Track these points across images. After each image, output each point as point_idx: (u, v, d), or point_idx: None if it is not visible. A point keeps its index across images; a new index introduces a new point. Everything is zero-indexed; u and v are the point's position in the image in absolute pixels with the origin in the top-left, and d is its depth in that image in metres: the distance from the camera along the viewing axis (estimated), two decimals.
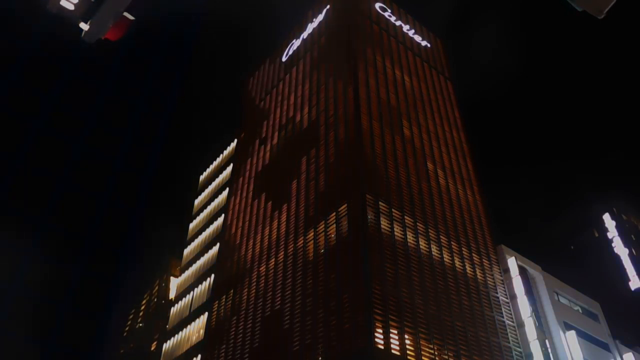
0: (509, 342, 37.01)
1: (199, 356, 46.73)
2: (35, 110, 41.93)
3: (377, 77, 48.44)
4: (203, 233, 61.74)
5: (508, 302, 40.09)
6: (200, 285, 55.05)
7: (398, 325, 31.22)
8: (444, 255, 38.58)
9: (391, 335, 30.50)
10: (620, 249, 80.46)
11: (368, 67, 48.32)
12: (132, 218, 41.90)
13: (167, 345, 55.93)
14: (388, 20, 58.48)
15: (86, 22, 9.64)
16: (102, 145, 43.73)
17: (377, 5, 58.80)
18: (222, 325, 45.75)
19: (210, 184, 68.12)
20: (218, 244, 55.48)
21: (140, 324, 74.43)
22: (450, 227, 41.49)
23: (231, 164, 63.67)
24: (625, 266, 78.47)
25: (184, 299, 57.64)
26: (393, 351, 29.85)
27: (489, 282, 40.29)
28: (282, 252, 42.23)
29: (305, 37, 61.05)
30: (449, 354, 32.69)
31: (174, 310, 59.06)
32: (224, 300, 47.83)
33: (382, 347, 29.44)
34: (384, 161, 40.80)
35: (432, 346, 32.14)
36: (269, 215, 47.65)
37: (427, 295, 34.54)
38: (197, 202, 69.51)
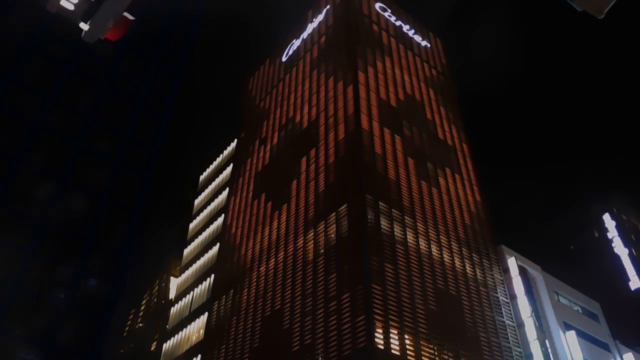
0: (509, 342, 36.99)
1: (199, 356, 46.72)
2: (35, 110, 41.93)
3: (377, 77, 48.43)
4: (203, 233, 61.73)
5: (508, 302, 40.08)
6: (200, 285, 55.04)
7: (398, 325, 31.21)
8: (444, 255, 38.57)
9: (391, 335, 30.49)
10: (620, 249, 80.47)
11: (368, 67, 48.31)
12: (132, 218, 41.91)
13: (167, 345, 55.93)
14: (388, 20, 58.47)
15: (86, 22, 9.63)
16: (102, 145, 43.73)
17: (377, 5, 58.79)
18: (222, 325, 45.74)
19: (210, 184, 68.14)
20: (218, 244, 55.48)
21: (140, 324, 74.42)
22: (450, 227, 41.48)
23: (231, 164, 63.68)
24: (625, 266, 78.49)
25: (184, 299, 57.64)
26: (393, 351, 29.83)
27: (489, 282, 40.28)
28: (282, 252, 42.23)
29: (305, 37, 61.05)
30: (449, 354, 32.67)
31: (174, 310, 59.05)
32: (224, 300, 47.83)
33: (382, 347, 29.43)
34: (384, 161, 40.78)
35: (432, 346, 32.12)
36: (269, 215, 47.65)
37: (427, 295, 34.53)
38: (197, 202, 69.52)
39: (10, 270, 34.98)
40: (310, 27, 60.96)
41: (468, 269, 39.45)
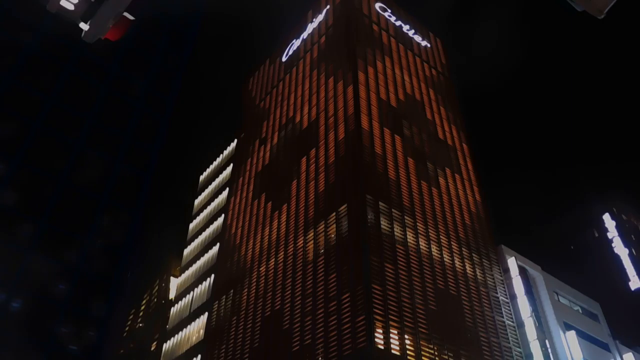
0: (509, 342, 36.99)
1: (199, 356, 46.72)
2: (35, 110, 41.92)
3: (377, 77, 48.43)
4: (203, 233, 61.73)
5: (508, 302, 40.08)
6: (200, 285, 55.05)
7: (398, 325, 31.21)
8: (444, 255, 38.57)
9: (391, 335, 30.49)
10: (620, 249, 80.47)
11: (368, 67, 48.30)
12: (132, 218, 41.90)
13: (167, 345, 55.92)
14: (388, 20, 58.47)
15: (86, 22, 9.63)
16: (102, 145, 43.74)
17: (377, 5, 58.79)
18: (222, 325, 45.75)
19: (210, 184, 68.13)
20: (218, 244, 55.48)
21: (140, 324, 74.42)
22: (450, 227, 41.47)
23: (231, 164, 63.68)
24: (625, 266, 78.49)
25: (184, 299, 57.64)
26: (393, 351, 29.83)
27: (489, 282, 40.28)
28: (282, 253, 42.22)
29: (305, 37, 61.05)
30: (449, 354, 32.67)
31: (174, 310, 59.05)
32: (224, 300, 47.82)
33: (382, 347, 29.43)
34: (384, 161, 40.78)
35: (432, 346, 32.12)
36: (269, 215, 47.65)
37: (427, 295, 34.53)
38: (197, 202, 69.52)
39: (11, 270, 34.95)
40: (310, 27, 60.96)
41: (468, 269, 39.45)
